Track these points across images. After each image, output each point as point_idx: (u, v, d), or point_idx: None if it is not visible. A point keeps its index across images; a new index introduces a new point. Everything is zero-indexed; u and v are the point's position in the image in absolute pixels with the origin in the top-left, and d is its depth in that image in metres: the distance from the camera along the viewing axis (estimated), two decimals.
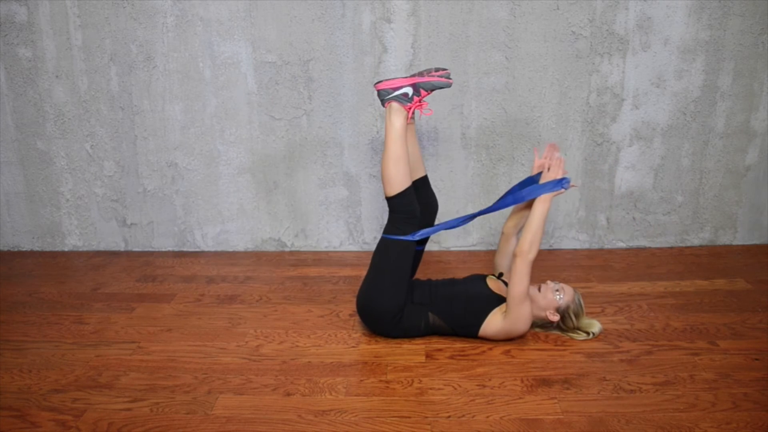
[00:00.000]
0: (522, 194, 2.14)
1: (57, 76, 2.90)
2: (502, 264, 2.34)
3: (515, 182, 2.91)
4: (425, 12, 2.72)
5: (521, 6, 2.69)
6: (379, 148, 2.90)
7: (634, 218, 2.98)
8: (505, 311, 2.06)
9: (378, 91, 2.15)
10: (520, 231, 2.31)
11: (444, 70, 2.17)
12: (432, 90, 2.15)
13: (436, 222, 2.35)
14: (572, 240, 3.02)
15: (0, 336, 2.26)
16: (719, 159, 2.88)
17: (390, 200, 2.12)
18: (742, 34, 2.70)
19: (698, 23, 2.69)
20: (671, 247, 3.00)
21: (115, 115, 2.94)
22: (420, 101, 2.16)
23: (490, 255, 2.96)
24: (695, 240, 3.01)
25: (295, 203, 3.03)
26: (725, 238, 3.01)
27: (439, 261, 2.92)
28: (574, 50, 2.75)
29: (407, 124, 2.16)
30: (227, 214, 3.06)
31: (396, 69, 2.79)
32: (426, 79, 2.13)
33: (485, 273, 2.37)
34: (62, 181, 3.06)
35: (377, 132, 2.88)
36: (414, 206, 2.12)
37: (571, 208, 2.97)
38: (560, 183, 2.05)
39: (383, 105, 2.16)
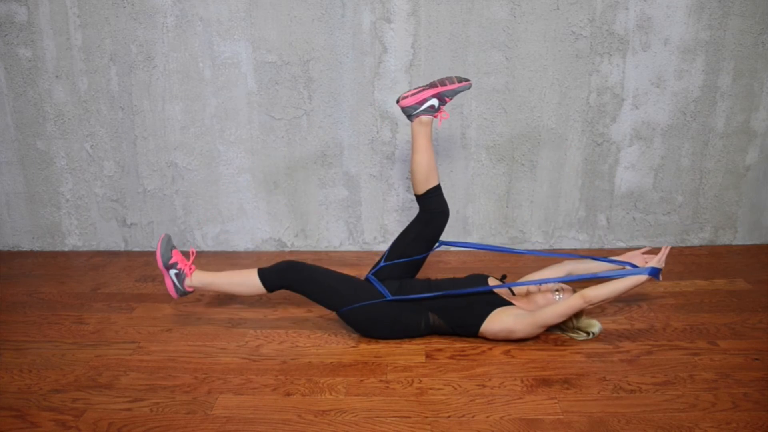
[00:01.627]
0: (626, 272, 2.13)
1: (57, 76, 2.90)
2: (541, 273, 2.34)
3: (515, 182, 2.92)
4: (425, 12, 2.72)
5: (521, 6, 2.69)
6: (379, 148, 2.90)
7: (634, 218, 2.98)
8: (518, 315, 2.07)
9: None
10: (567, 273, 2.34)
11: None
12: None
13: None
14: (572, 240, 3.02)
15: (0, 336, 2.27)
16: (719, 159, 2.88)
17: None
18: (742, 34, 2.70)
19: (698, 23, 2.69)
20: (671, 247, 3.00)
21: (115, 115, 2.94)
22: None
23: (490, 255, 2.97)
24: (695, 240, 3.01)
25: (295, 203, 3.03)
26: (725, 238, 3.01)
27: (440, 261, 2.92)
28: (574, 50, 2.75)
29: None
30: (227, 214, 3.06)
31: (396, 69, 2.79)
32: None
33: (485, 273, 2.37)
34: (62, 181, 3.06)
35: (377, 132, 2.88)
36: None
37: (571, 208, 2.97)
38: (657, 273, 2.08)
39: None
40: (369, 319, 2.13)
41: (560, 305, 2.04)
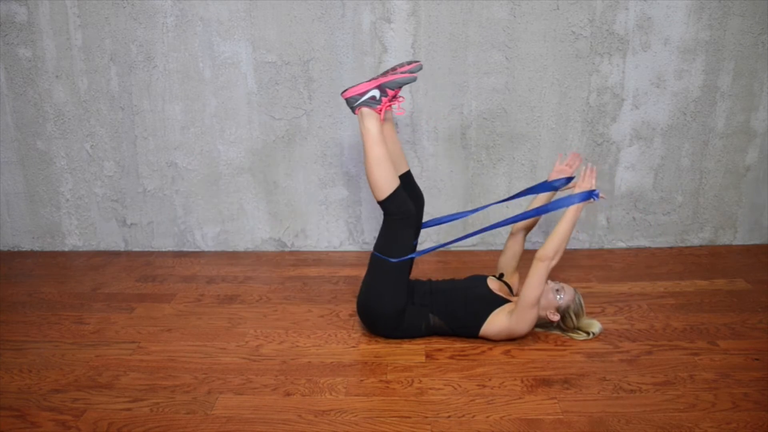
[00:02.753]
0: (553, 205, 2.12)
1: (57, 76, 2.90)
2: (507, 264, 2.36)
3: (515, 182, 2.92)
4: (425, 12, 2.72)
5: (521, 6, 2.69)
6: None
7: (634, 218, 2.98)
8: (511, 311, 2.07)
9: (345, 99, 2.13)
10: (527, 232, 2.37)
11: (415, 62, 2.15)
12: (399, 87, 2.13)
13: (425, 217, 2.40)
14: (572, 240, 3.02)
15: (0, 336, 2.26)
16: (719, 159, 2.88)
17: (383, 204, 2.11)
18: (742, 34, 2.70)
19: (698, 23, 2.69)
20: (671, 247, 3.00)
21: (115, 115, 2.94)
22: (390, 100, 2.14)
23: (491, 255, 2.96)
24: (695, 240, 3.01)
25: (295, 203, 3.03)
26: (725, 238, 3.01)
27: (440, 261, 2.92)
28: (574, 50, 2.75)
29: (382, 123, 2.15)
30: (227, 214, 3.06)
31: None
32: (390, 78, 2.12)
33: (485, 273, 2.37)
34: (62, 181, 3.06)
35: None
36: (408, 205, 2.11)
37: None
38: (592, 193, 2.05)
39: (354, 112, 2.14)
40: (385, 283, 2.11)
41: (528, 279, 2.01)
